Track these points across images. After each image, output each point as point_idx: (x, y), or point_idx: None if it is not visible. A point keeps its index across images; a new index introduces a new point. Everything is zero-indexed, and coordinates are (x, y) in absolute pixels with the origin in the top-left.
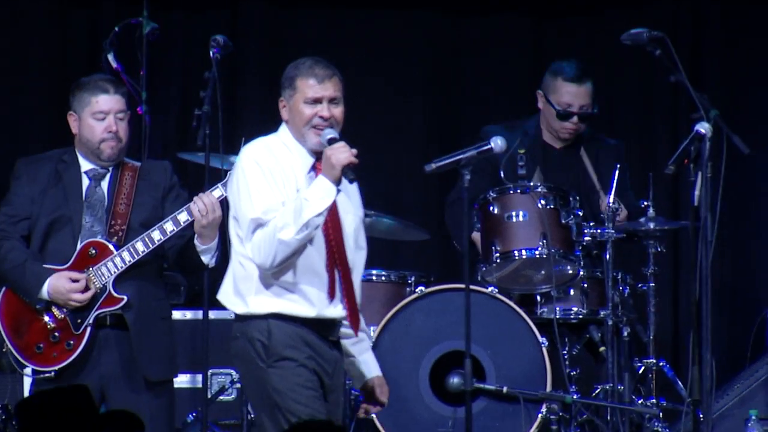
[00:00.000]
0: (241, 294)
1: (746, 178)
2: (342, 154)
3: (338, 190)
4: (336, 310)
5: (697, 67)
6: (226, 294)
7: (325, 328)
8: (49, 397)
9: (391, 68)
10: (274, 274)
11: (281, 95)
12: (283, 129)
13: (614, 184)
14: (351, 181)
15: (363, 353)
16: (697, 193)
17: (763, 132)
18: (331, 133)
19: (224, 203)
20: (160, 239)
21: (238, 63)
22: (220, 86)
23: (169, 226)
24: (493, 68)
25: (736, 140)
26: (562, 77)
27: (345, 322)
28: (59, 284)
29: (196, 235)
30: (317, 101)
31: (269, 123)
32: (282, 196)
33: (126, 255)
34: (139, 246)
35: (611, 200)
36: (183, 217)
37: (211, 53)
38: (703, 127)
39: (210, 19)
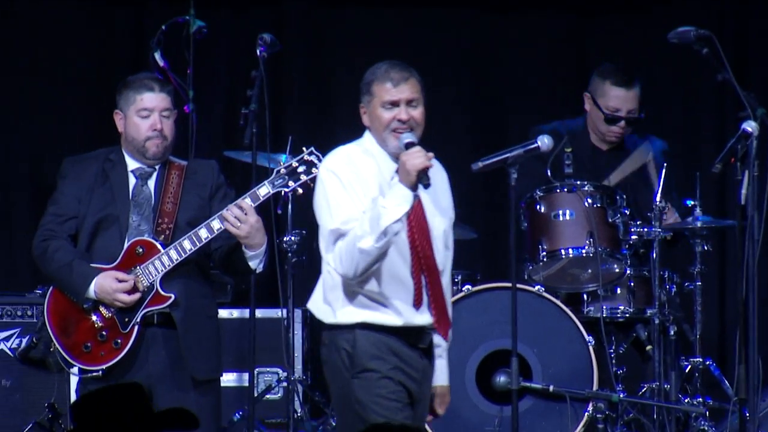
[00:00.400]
0: (330, 303)
1: None
2: (416, 159)
3: (416, 196)
4: (423, 318)
5: (744, 66)
6: (315, 303)
7: (413, 335)
8: (103, 396)
9: (435, 67)
10: (359, 284)
11: (361, 101)
12: (367, 135)
13: (661, 183)
14: (426, 186)
15: (435, 359)
16: (743, 191)
17: None
18: (408, 137)
19: (266, 205)
20: (207, 237)
21: (285, 61)
22: (267, 85)
23: (215, 224)
24: (537, 66)
25: None
26: (610, 81)
27: None
28: (106, 283)
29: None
30: (395, 104)
31: (315, 121)
32: (361, 206)
33: (173, 253)
34: (186, 244)
35: (658, 199)
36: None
37: (257, 52)
38: (750, 126)
39: (256, 17)
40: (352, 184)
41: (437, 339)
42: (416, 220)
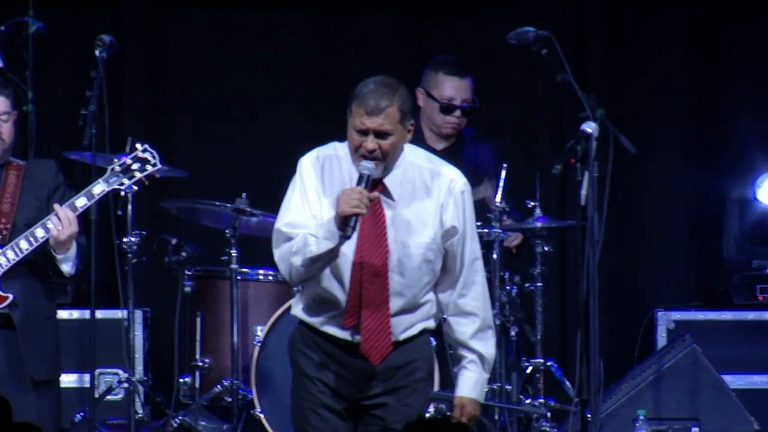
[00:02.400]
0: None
1: (633, 177)
2: (348, 204)
3: (346, 237)
4: (345, 333)
5: (582, 67)
6: None
7: (344, 343)
8: None
9: (272, 68)
10: (307, 283)
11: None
12: None
13: (501, 184)
14: (347, 238)
15: (458, 371)
16: (584, 192)
17: (649, 131)
18: (364, 169)
19: (106, 205)
20: (44, 236)
21: (124, 62)
22: (106, 86)
23: (50, 224)
24: (374, 68)
25: (622, 140)
26: (443, 71)
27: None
28: None
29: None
30: (363, 132)
31: (154, 122)
32: (315, 213)
33: (10, 253)
34: (23, 244)
35: (498, 200)
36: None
37: (97, 52)
38: (590, 127)
39: (95, 18)
40: (311, 190)
41: (461, 350)
42: (371, 241)
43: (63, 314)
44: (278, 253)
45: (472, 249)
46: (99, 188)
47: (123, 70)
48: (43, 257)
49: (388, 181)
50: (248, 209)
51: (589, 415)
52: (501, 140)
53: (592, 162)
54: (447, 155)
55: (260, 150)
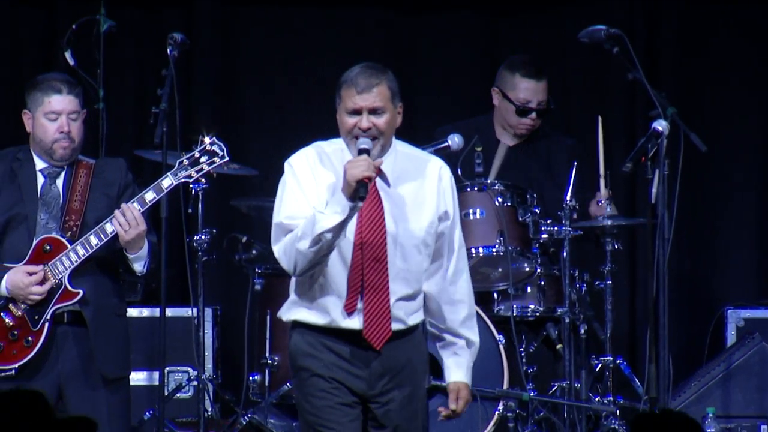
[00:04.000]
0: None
1: (703, 176)
2: (356, 169)
3: (355, 207)
4: (351, 322)
5: (654, 65)
6: None
7: (350, 336)
8: (2, 403)
9: (344, 66)
10: (303, 282)
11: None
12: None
13: (571, 182)
14: (360, 199)
15: (448, 357)
16: (654, 190)
17: (720, 130)
18: (363, 144)
19: (177, 203)
20: (113, 231)
21: (195, 60)
22: (177, 84)
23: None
24: (447, 67)
25: (693, 138)
26: (520, 73)
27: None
28: (17, 279)
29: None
30: (357, 112)
31: (225, 120)
32: (312, 204)
33: (80, 249)
34: (93, 239)
35: (568, 198)
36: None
37: (168, 51)
38: (661, 125)
39: (166, 16)
40: (306, 181)
41: (450, 337)
42: (369, 222)
43: (133, 312)
44: (280, 247)
45: (460, 236)
46: (167, 182)
47: (194, 69)
48: (114, 256)
49: (382, 165)
50: None
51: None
52: (575, 138)
53: (663, 160)
54: (518, 152)
55: None
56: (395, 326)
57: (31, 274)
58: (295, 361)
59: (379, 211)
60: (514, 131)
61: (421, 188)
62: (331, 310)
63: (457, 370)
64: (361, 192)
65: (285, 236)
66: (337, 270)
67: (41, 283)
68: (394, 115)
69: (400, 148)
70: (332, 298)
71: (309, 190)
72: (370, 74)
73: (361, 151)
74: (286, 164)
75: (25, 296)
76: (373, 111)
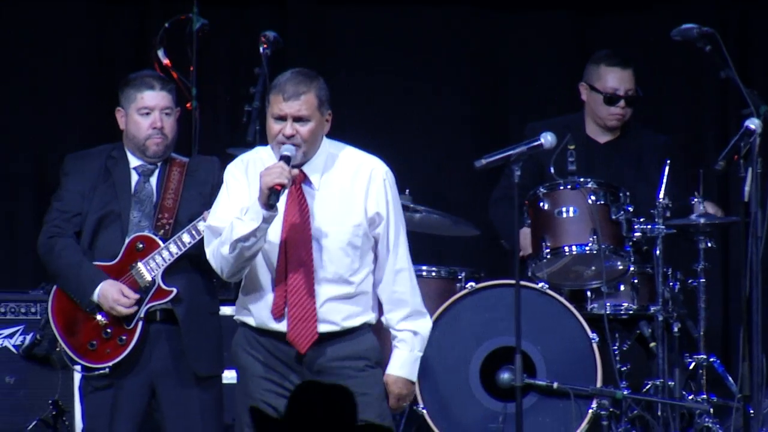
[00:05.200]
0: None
1: None
2: (269, 176)
3: (269, 215)
4: (280, 325)
5: (747, 63)
6: None
7: (279, 336)
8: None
9: (436, 63)
10: (243, 284)
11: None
12: None
13: (664, 180)
14: (270, 207)
15: (393, 349)
16: (747, 188)
17: None
18: (286, 150)
19: None
20: None
21: (288, 58)
22: (270, 82)
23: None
24: (538, 65)
25: None
26: (605, 63)
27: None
28: (109, 293)
29: None
30: (282, 118)
31: None
32: (240, 207)
33: (173, 247)
34: (186, 237)
35: (661, 196)
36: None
37: (260, 49)
38: (753, 123)
39: (259, 14)
40: (235, 187)
41: (393, 332)
42: (293, 225)
43: (225, 310)
44: (209, 250)
45: (397, 235)
46: None
47: (286, 67)
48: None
49: (307, 169)
50: (411, 205)
51: (751, 411)
52: (668, 136)
53: (756, 158)
54: (610, 148)
55: (423, 146)
56: (326, 328)
57: (125, 295)
58: (235, 357)
59: (304, 214)
60: (605, 123)
61: (350, 190)
62: (261, 313)
63: (392, 363)
64: (272, 199)
65: (213, 239)
66: (264, 274)
67: (130, 305)
68: (321, 123)
69: (332, 150)
70: (261, 300)
71: (238, 196)
72: (298, 81)
73: (282, 158)
74: (225, 172)
75: (109, 309)
76: (298, 119)
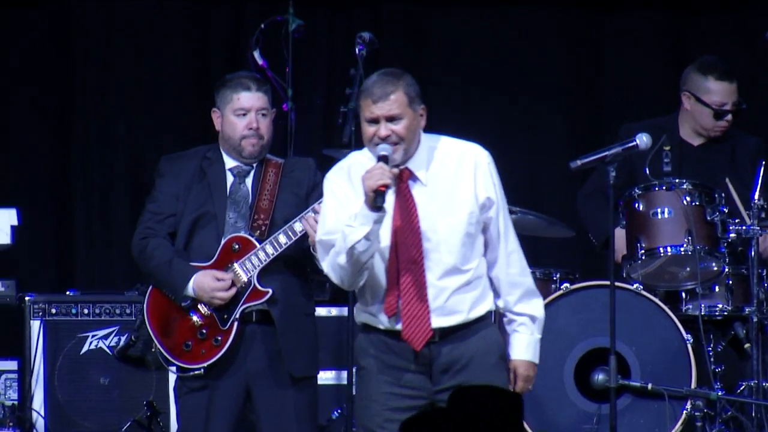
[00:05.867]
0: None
1: None
2: (370, 179)
3: (380, 216)
4: (396, 325)
5: None
6: None
7: (399, 336)
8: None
9: (532, 64)
10: (360, 287)
11: None
12: None
13: (759, 181)
14: (377, 210)
15: (510, 335)
16: None
17: None
18: (383, 150)
19: None
20: (302, 230)
21: (383, 60)
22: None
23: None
24: (633, 65)
25: None
26: (713, 77)
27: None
28: (204, 282)
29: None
30: (374, 121)
31: None
32: (350, 214)
33: (269, 248)
34: (282, 238)
35: (756, 197)
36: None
37: (356, 50)
38: None
39: (355, 15)
40: (343, 195)
41: (511, 315)
42: (401, 225)
43: (321, 312)
44: (327, 264)
45: (506, 218)
46: None
47: (382, 67)
48: (302, 255)
49: (411, 165)
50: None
51: None
52: (761, 137)
53: None
54: (704, 151)
55: (517, 146)
56: (454, 320)
57: (219, 279)
58: (357, 360)
59: (412, 212)
60: (709, 134)
61: (457, 179)
62: (378, 313)
63: (517, 347)
64: (378, 201)
65: (329, 253)
66: (377, 274)
67: (228, 288)
68: (415, 118)
69: (431, 143)
70: (378, 301)
71: (347, 203)
72: (385, 82)
73: (380, 158)
74: (324, 180)
75: (209, 299)
76: (391, 119)
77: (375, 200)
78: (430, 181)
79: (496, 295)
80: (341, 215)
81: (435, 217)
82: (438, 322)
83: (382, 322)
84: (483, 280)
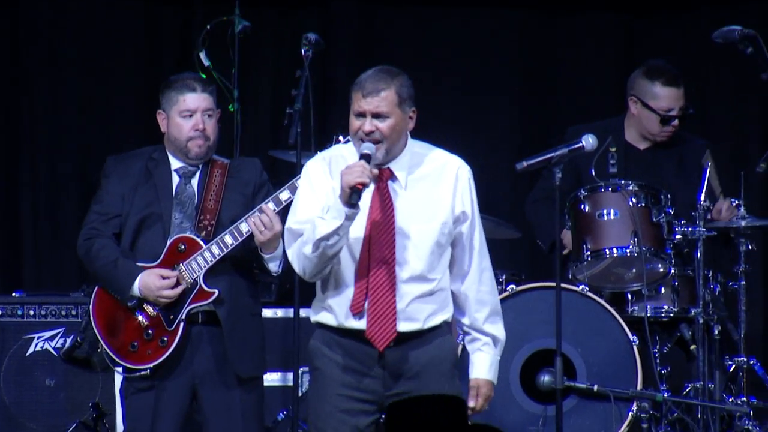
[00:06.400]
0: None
1: None
2: (350, 175)
3: (352, 213)
4: (359, 323)
5: None
6: None
7: (358, 336)
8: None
9: (482, 67)
10: (322, 282)
11: None
12: None
13: (704, 183)
14: (351, 206)
15: (473, 353)
16: None
17: None
18: (366, 149)
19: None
20: (248, 231)
21: (330, 61)
22: (312, 84)
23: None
24: (583, 67)
25: None
26: (660, 82)
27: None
28: (150, 281)
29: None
30: (362, 115)
31: None
32: (322, 205)
33: (215, 248)
34: (228, 239)
35: (702, 199)
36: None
37: (302, 51)
38: None
39: (301, 17)
40: (319, 185)
41: (476, 333)
42: (377, 223)
43: (267, 313)
44: (291, 252)
45: (480, 234)
46: (285, 195)
47: (330, 69)
48: (249, 255)
49: (393, 166)
50: None
51: None
52: (707, 139)
53: None
54: (650, 154)
55: (465, 148)
56: (409, 327)
57: (164, 278)
58: (311, 360)
59: (389, 211)
60: (655, 138)
61: (436, 188)
62: (341, 311)
63: (480, 366)
64: (353, 198)
65: (296, 241)
66: (345, 270)
67: (174, 286)
68: (403, 119)
69: (417, 149)
70: (342, 298)
71: (321, 192)
72: (378, 78)
73: (362, 156)
74: (304, 168)
75: (155, 298)
76: (377, 115)
77: (350, 197)
78: (410, 184)
79: (460, 310)
80: (314, 206)
81: (409, 221)
82: (398, 326)
83: (340, 318)
84: (445, 293)
